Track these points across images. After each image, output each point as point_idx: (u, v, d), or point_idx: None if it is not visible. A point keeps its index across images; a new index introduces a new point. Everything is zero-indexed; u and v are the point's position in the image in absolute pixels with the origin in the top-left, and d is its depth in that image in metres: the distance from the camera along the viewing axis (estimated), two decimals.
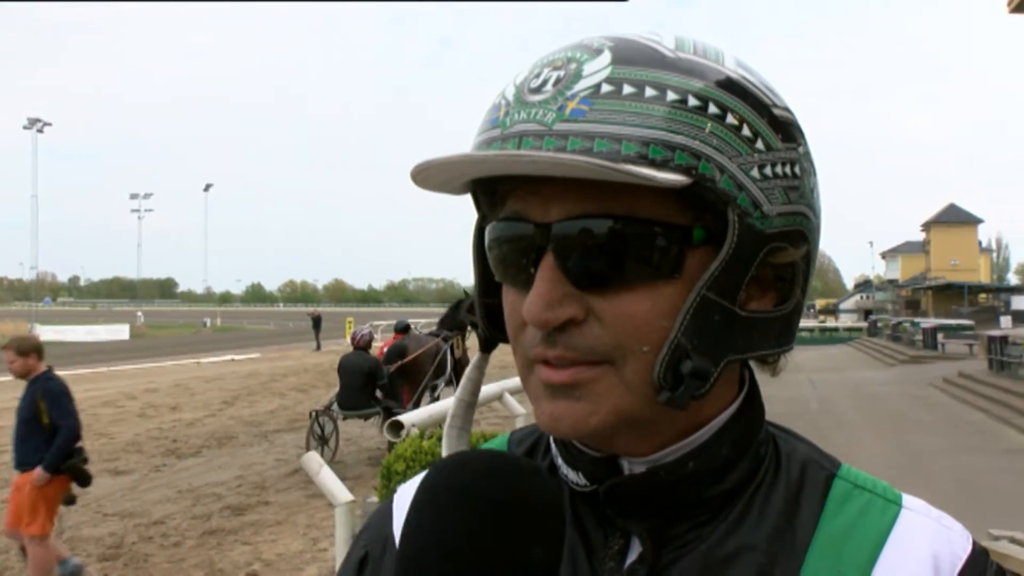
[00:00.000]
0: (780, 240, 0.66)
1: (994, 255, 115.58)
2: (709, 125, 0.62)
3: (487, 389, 6.37)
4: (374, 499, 4.92)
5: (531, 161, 0.61)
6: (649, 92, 0.62)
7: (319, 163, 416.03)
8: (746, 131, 0.64)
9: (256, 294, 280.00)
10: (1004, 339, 23.02)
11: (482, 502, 0.58)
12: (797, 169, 0.68)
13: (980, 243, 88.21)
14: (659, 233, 0.63)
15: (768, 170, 0.65)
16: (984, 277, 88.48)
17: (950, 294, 69.64)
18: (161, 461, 11.65)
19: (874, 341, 45.31)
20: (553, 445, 0.77)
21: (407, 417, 5.09)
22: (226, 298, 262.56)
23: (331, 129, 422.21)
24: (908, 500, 0.73)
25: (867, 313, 74.83)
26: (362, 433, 13.11)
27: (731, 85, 0.65)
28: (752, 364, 0.75)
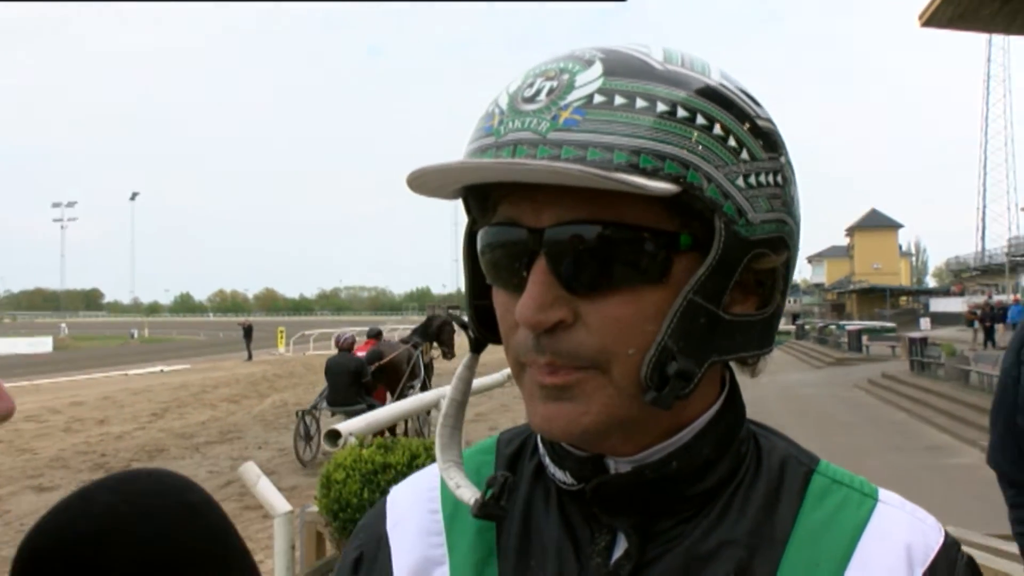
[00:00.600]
0: (763, 247, 0.68)
1: (913, 259, 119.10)
2: (697, 135, 0.64)
3: (426, 396, 6.37)
4: (313, 508, 4.88)
5: (528, 169, 0.62)
6: (639, 103, 0.64)
7: (249, 171, 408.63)
8: (732, 141, 0.66)
9: (185, 304, 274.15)
10: (924, 340, 23.82)
11: None
12: (779, 178, 0.70)
13: (900, 247, 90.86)
14: (647, 239, 0.65)
15: (752, 179, 0.67)
16: (904, 280, 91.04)
17: (873, 297, 71.55)
18: (88, 476, 11.27)
19: (802, 344, 46.40)
20: (540, 445, 0.80)
21: (345, 426, 5.06)
22: (154, 308, 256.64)
23: (261, 137, 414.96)
24: (884, 494, 0.75)
25: (795, 317, 76.33)
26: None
27: (717, 96, 0.67)
28: (733, 365, 0.78)
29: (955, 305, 52.29)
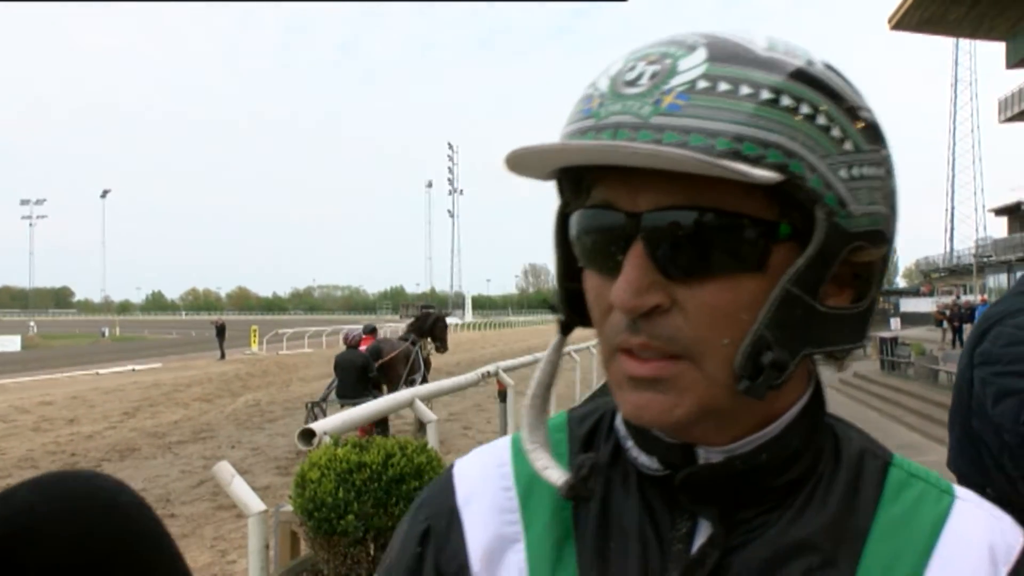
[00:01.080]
0: (862, 239, 0.67)
1: None
2: (801, 124, 0.64)
3: (397, 396, 6.35)
4: (287, 508, 4.85)
5: (632, 152, 0.62)
6: (743, 90, 0.63)
7: (223, 169, 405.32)
8: (835, 131, 0.65)
9: (157, 303, 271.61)
10: (894, 340, 24.07)
11: None
12: (882, 171, 0.69)
13: None
14: (747, 227, 0.65)
15: (855, 170, 0.66)
16: None
17: None
18: None
19: None
20: (623, 428, 0.79)
21: (320, 425, 5.03)
22: (125, 307, 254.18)
23: (234, 134, 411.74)
24: (960, 491, 0.75)
25: None
26: (269, 443, 12.89)
27: (821, 85, 0.66)
28: (817, 359, 0.76)
29: (924, 305, 52.99)
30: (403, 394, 6.56)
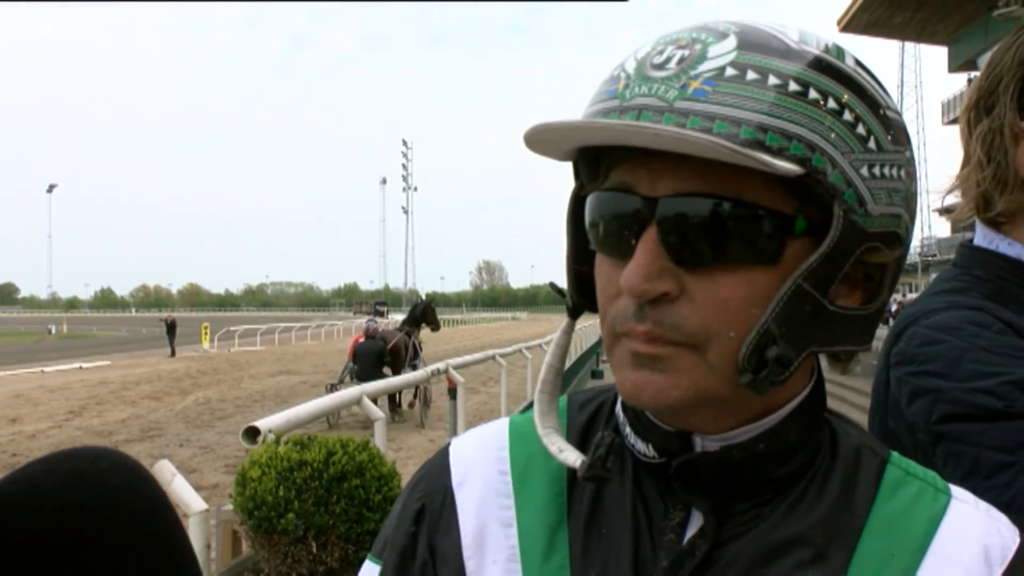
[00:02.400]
0: (878, 240, 0.67)
1: None
2: (827, 119, 0.63)
3: (346, 393, 6.31)
4: (228, 507, 4.80)
5: (655, 135, 0.60)
6: (771, 80, 0.63)
7: (175, 164, 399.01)
8: (860, 129, 0.65)
9: (106, 299, 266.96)
10: None
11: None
12: (903, 173, 0.69)
13: None
14: (764, 218, 0.64)
15: (877, 170, 0.66)
16: None
17: None
18: None
19: None
20: (622, 414, 0.78)
21: (265, 422, 4.98)
22: (73, 304, 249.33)
23: (187, 130, 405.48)
24: (957, 491, 0.74)
25: None
26: (219, 441, 12.72)
27: (850, 82, 0.66)
28: (821, 357, 0.76)
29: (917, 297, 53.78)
30: (351, 391, 6.50)
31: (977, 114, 1.20)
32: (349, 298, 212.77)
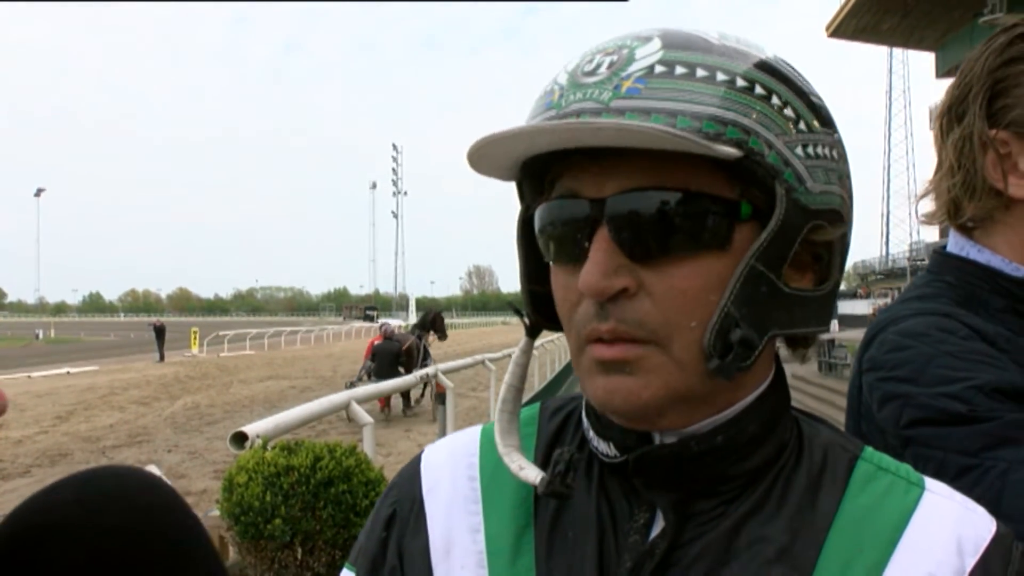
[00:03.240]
0: (821, 218, 0.69)
1: None
2: (757, 104, 0.66)
3: (333, 399, 6.30)
4: (215, 512, 4.79)
5: (597, 128, 0.62)
6: (700, 73, 0.65)
7: (164, 169, 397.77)
8: (789, 112, 0.68)
9: (94, 304, 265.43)
10: (831, 342, 24.51)
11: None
12: (835, 152, 0.72)
13: None
14: (710, 206, 0.66)
15: (810, 149, 0.69)
16: None
17: None
18: None
19: None
20: (585, 418, 0.79)
21: (253, 427, 4.97)
22: (61, 308, 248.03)
23: (176, 134, 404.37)
24: (931, 483, 0.74)
25: None
26: (208, 446, 12.69)
27: (774, 71, 0.69)
28: (779, 349, 0.78)
29: (861, 307, 54.01)
30: (340, 396, 6.49)
31: (949, 121, 1.22)
32: (339, 303, 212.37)
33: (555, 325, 0.77)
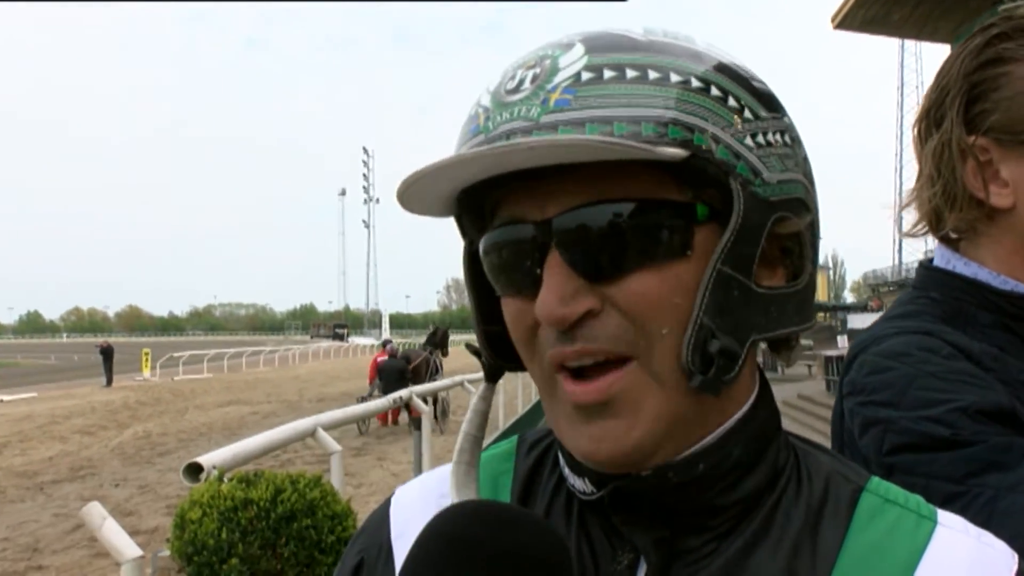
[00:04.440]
0: (784, 209, 0.69)
1: (831, 272, 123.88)
2: (695, 98, 0.66)
3: (298, 425, 6.26)
4: (165, 552, 4.73)
5: (529, 148, 0.62)
6: (630, 73, 0.65)
7: (111, 176, 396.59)
8: (732, 101, 0.68)
9: (33, 324, 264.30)
10: (840, 359, 24.66)
11: (482, 556, 0.62)
12: (787, 137, 0.72)
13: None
14: (662, 212, 0.66)
15: (761, 138, 0.69)
16: (822, 295, 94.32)
17: None
18: None
19: None
20: (560, 455, 0.78)
21: (208, 457, 4.92)
22: None
23: (124, 138, 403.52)
24: (944, 516, 0.72)
25: None
26: (160, 479, 12.58)
27: (708, 60, 0.69)
28: (761, 368, 0.78)
29: (873, 321, 54.39)
30: (305, 422, 6.45)
31: (927, 127, 1.25)
32: (306, 320, 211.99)
33: (517, 366, 0.77)
